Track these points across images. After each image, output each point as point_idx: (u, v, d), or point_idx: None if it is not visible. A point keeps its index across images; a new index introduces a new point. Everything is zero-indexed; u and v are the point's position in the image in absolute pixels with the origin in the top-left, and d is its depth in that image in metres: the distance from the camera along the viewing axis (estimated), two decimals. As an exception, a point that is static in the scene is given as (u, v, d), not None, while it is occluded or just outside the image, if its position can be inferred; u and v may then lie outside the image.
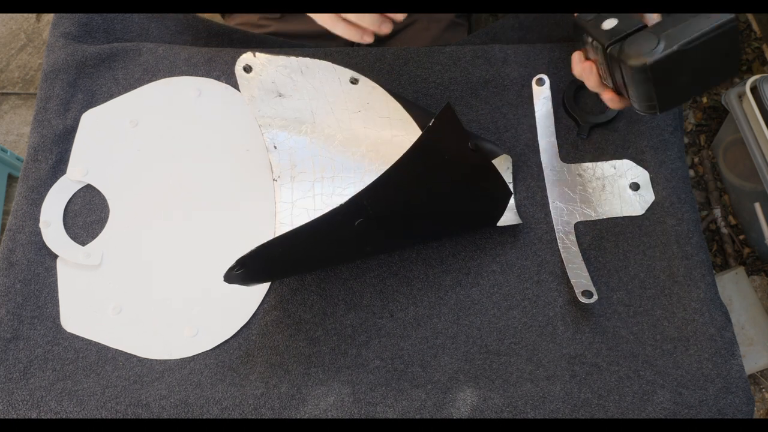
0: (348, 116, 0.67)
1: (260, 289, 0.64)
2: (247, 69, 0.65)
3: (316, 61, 0.64)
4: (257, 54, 0.65)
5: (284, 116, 0.68)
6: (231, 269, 0.53)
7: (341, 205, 0.53)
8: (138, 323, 0.64)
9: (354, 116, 0.67)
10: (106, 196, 0.69)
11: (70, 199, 0.69)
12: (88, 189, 0.70)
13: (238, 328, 0.63)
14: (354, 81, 0.65)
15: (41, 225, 0.67)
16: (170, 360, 0.62)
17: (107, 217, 0.69)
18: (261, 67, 0.65)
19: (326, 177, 0.69)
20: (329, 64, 0.64)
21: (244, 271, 0.54)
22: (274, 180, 0.69)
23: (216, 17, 1.09)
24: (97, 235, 0.68)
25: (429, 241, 0.67)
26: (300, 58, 0.65)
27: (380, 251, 0.65)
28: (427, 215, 0.61)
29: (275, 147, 0.69)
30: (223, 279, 0.54)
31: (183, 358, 0.62)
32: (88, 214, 0.69)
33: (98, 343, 0.63)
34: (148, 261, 0.66)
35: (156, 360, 0.62)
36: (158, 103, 0.73)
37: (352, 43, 0.86)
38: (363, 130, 0.68)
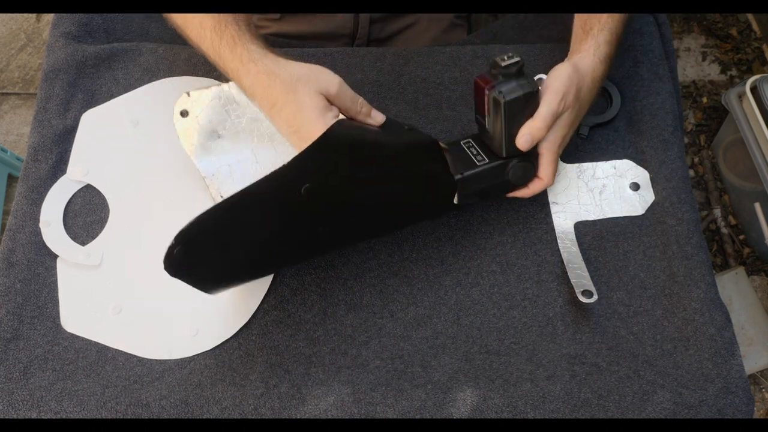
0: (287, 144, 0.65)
1: (260, 289, 0.64)
2: (184, 114, 0.65)
3: None
4: (191, 93, 0.64)
5: (227, 162, 0.66)
6: (170, 248, 0.48)
7: (283, 166, 0.50)
8: (138, 323, 0.64)
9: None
10: (106, 196, 0.69)
11: (70, 199, 0.69)
12: (88, 189, 0.70)
13: (238, 328, 0.63)
14: None
15: (41, 225, 0.67)
16: (170, 360, 0.62)
17: (107, 217, 0.68)
18: (196, 105, 0.65)
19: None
20: None
21: (185, 250, 0.49)
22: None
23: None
24: (97, 235, 0.68)
25: (385, 229, 0.65)
26: (231, 84, 0.64)
27: (335, 238, 0.61)
28: (374, 194, 0.60)
29: (213, 175, 0.67)
30: (163, 267, 0.49)
31: (183, 358, 0.62)
32: (88, 214, 0.69)
33: (98, 343, 0.63)
34: (148, 261, 0.66)
35: (156, 360, 0.62)
36: (158, 103, 0.73)
37: (351, 43, 0.86)
38: None
